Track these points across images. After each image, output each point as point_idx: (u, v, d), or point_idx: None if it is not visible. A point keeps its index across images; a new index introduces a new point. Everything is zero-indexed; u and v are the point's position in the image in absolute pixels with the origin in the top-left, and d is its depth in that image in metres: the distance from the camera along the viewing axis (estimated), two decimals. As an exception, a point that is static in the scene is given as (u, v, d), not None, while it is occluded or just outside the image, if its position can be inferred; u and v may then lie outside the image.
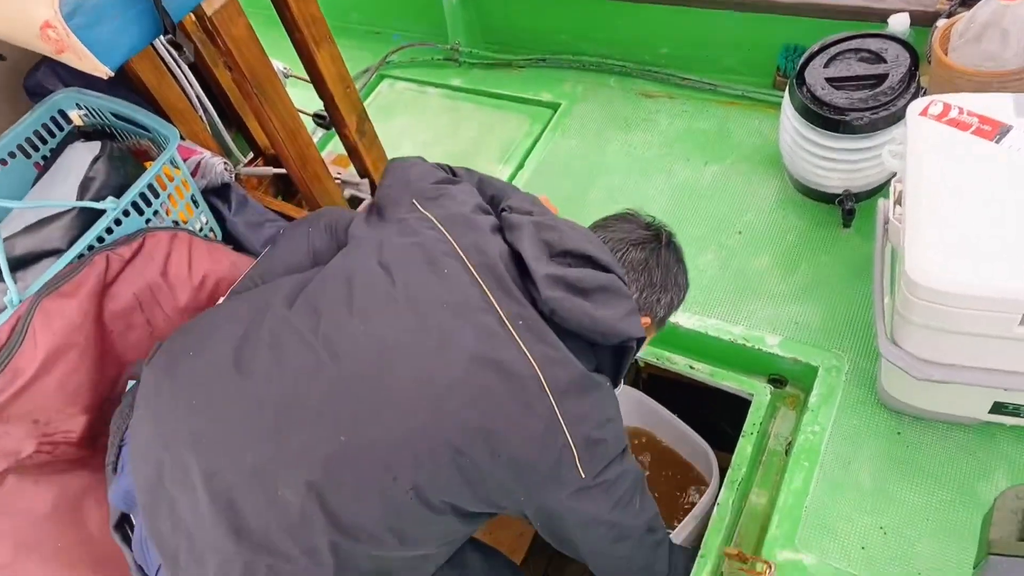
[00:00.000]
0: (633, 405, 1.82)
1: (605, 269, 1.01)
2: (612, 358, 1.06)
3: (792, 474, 1.31)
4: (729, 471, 1.38)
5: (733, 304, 1.56)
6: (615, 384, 1.07)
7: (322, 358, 0.93)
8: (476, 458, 0.90)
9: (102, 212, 1.21)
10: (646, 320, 1.11)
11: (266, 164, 1.83)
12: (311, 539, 0.89)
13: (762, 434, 1.43)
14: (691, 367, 1.56)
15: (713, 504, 1.36)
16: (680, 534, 1.54)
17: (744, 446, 1.39)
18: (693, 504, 1.57)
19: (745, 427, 1.43)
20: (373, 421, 0.91)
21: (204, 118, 1.72)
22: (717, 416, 1.88)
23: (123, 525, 1.06)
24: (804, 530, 1.25)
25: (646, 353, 1.61)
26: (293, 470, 0.90)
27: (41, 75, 1.53)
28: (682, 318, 1.55)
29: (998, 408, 1.20)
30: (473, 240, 1.01)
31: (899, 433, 1.31)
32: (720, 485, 1.38)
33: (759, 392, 1.47)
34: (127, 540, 1.04)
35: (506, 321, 0.94)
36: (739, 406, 1.51)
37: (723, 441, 1.63)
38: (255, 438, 0.92)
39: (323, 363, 0.93)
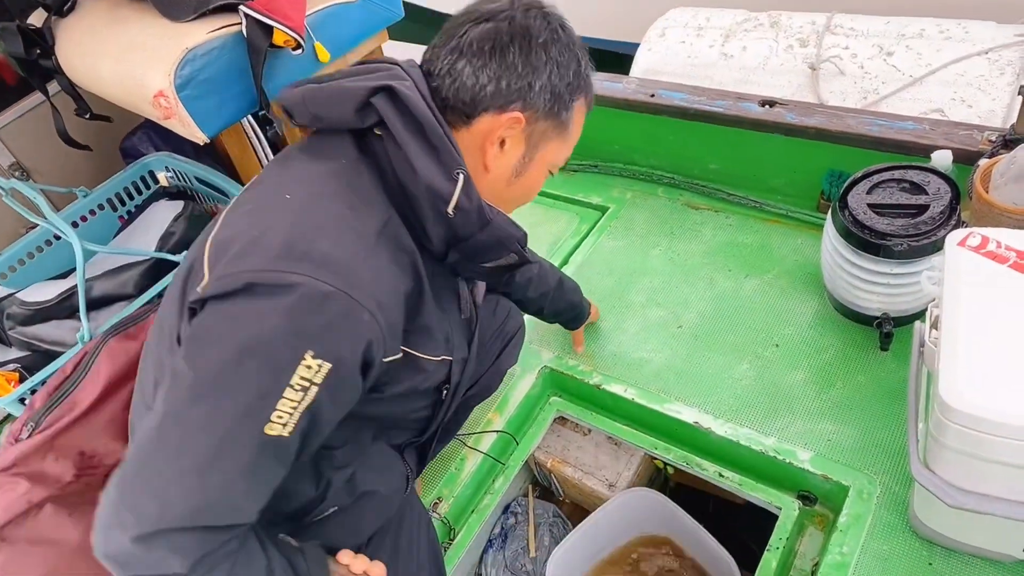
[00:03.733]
0: (656, 510, 1.79)
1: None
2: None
3: (817, 595, 1.27)
4: (752, 585, 1.35)
5: (766, 415, 1.56)
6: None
7: None
8: None
9: (175, 264, 1.30)
10: (515, 115, 0.95)
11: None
12: None
13: (788, 551, 1.40)
14: (720, 475, 1.55)
15: (733, 619, 1.33)
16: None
17: (769, 560, 1.37)
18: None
19: (771, 541, 1.40)
20: None
21: (275, 190, 1.84)
22: (743, 532, 1.84)
23: None
24: (827, 655, 1.21)
25: (676, 458, 1.60)
26: None
27: (137, 139, 1.68)
28: (714, 424, 1.56)
29: (1035, 547, 1.17)
30: None
31: (931, 564, 1.28)
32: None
33: (787, 507, 1.45)
34: None
35: None
36: (765, 524, 1.48)
37: (747, 559, 1.59)
38: None
39: None
